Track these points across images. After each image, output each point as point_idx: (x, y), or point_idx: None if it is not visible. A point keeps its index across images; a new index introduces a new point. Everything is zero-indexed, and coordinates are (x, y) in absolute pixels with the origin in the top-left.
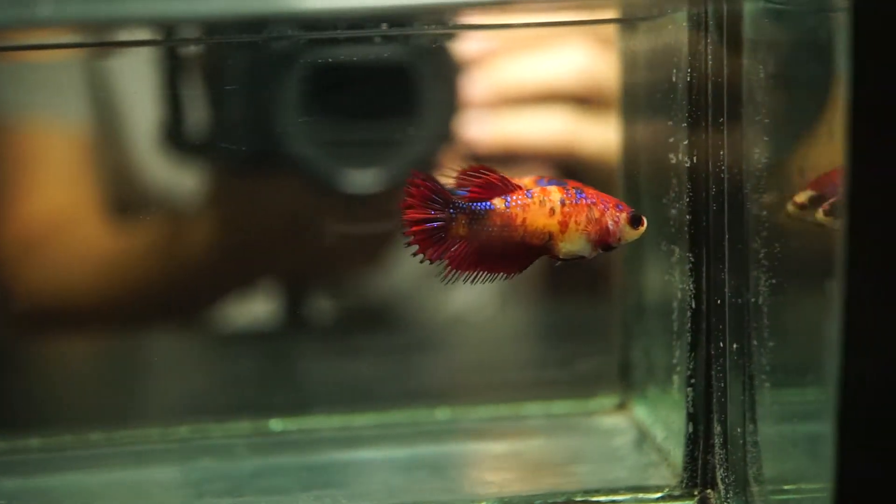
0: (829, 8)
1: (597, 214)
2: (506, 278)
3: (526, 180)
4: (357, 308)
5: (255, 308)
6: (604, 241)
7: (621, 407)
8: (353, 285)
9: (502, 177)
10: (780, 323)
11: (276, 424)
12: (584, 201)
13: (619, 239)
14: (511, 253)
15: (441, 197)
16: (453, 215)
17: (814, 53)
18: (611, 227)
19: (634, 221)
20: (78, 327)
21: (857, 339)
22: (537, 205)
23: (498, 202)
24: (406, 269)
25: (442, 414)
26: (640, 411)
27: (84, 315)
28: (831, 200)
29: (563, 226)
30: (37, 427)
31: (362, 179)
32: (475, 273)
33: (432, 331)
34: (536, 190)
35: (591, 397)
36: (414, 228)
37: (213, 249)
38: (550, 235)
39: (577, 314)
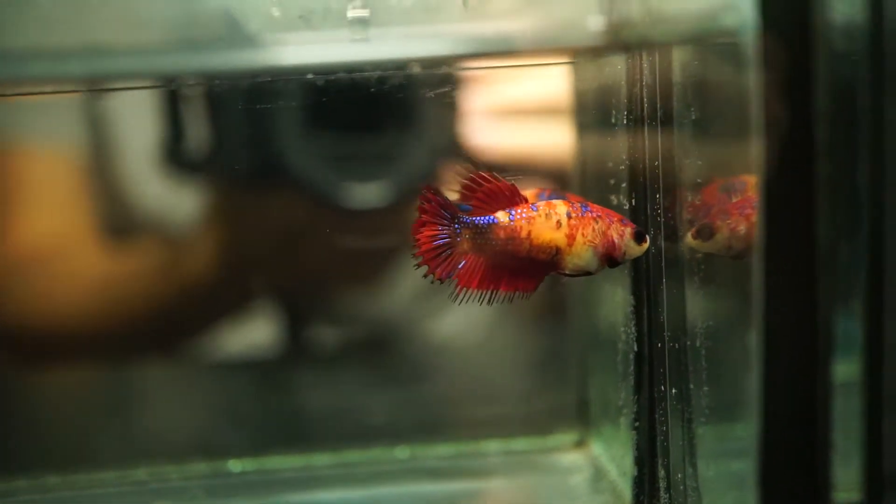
0: (742, 57)
1: (603, 228)
2: (521, 297)
3: (527, 193)
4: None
5: (253, 333)
6: (610, 255)
7: (580, 444)
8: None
9: (511, 185)
10: (715, 366)
11: (234, 465)
12: (589, 214)
13: (624, 254)
14: (519, 268)
15: (449, 212)
16: (458, 230)
17: (731, 99)
18: (616, 241)
19: (638, 237)
20: (64, 356)
21: (774, 380)
22: (543, 217)
23: (502, 215)
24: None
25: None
26: (598, 449)
27: (71, 343)
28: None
29: (571, 239)
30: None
31: (364, 194)
32: (487, 291)
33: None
34: (541, 203)
35: (549, 434)
36: (424, 247)
37: (210, 272)
38: (557, 249)
39: (536, 349)
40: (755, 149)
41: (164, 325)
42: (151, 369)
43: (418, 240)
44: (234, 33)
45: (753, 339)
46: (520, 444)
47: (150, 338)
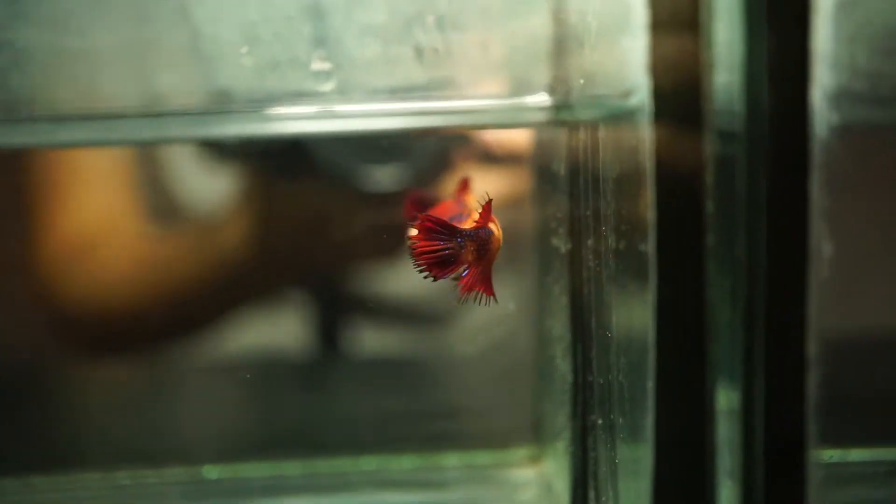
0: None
1: None
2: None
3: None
4: None
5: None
6: None
7: (534, 460)
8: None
9: (489, 200)
10: (632, 399)
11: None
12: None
13: None
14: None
15: (446, 229)
16: (461, 243)
17: (635, 168)
18: None
19: None
20: (113, 343)
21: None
22: (497, 223)
23: (493, 226)
24: None
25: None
26: (549, 465)
27: (120, 330)
28: None
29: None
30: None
31: (384, 176)
32: (485, 294)
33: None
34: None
35: (507, 449)
36: (423, 258)
37: (247, 258)
38: None
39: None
40: (650, 215)
41: (204, 311)
42: (194, 358)
43: (420, 254)
44: None
45: (649, 384)
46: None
47: (193, 325)
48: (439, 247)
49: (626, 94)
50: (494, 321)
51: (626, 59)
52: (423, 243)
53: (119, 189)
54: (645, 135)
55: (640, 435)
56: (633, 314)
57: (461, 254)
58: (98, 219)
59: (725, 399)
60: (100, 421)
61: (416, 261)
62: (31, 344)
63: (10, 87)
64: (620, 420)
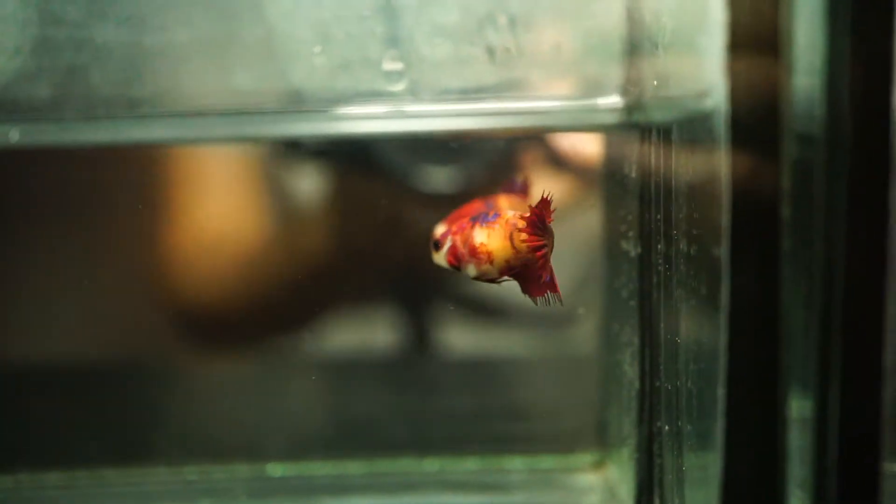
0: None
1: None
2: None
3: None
4: None
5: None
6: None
7: (598, 465)
8: None
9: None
10: (701, 405)
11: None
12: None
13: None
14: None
15: (542, 221)
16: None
17: (710, 172)
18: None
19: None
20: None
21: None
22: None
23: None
24: None
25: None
26: (613, 471)
27: (221, 330)
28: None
29: None
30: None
31: (452, 177)
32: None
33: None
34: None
35: (572, 454)
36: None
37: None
38: None
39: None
40: (724, 219)
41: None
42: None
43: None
44: None
45: (719, 390)
46: (544, 462)
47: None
48: (542, 242)
49: (702, 95)
50: (562, 324)
51: (702, 61)
52: (533, 238)
53: (241, 190)
54: (721, 137)
55: (709, 442)
56: (704, 320)
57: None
58: (221, 218)
59: (798, 407)
60: (188, 415)
61: (530, 258)
62: (119, 342)
63: (90, 85)
64: (688, 427)
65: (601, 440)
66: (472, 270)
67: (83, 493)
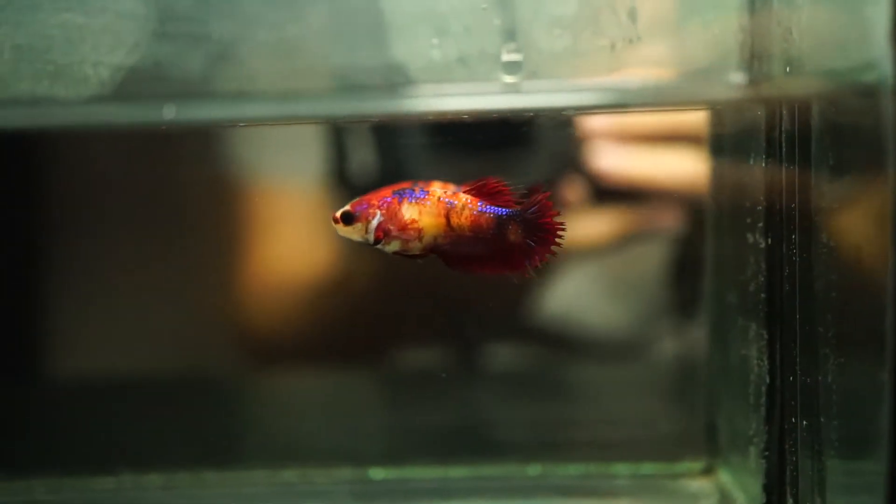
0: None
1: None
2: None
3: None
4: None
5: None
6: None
7: (707, 472)
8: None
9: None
10: (847, 401)
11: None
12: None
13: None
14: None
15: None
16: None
17: (869, 149)
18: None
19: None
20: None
21: None
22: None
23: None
24: None
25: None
26: (725, 476)
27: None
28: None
29: None
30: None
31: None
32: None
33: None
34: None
35: (678, 461)
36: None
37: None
38: None
39: (664, 373)
40: (891, 205)
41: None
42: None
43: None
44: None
45: (885, 377)
46: (648, 468)
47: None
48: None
49: (864, 68)
50: (663, 330)
51: (866, 30)
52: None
53: (314, 227)
54: (888, 114)
55: (865, 443)
56: (855, 311)
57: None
58: (294, 252)
59: None
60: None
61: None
62: (218, 354)
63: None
64: (833, 425)
65: (710, 444)
66: (394, 246)
67: (184, 494)
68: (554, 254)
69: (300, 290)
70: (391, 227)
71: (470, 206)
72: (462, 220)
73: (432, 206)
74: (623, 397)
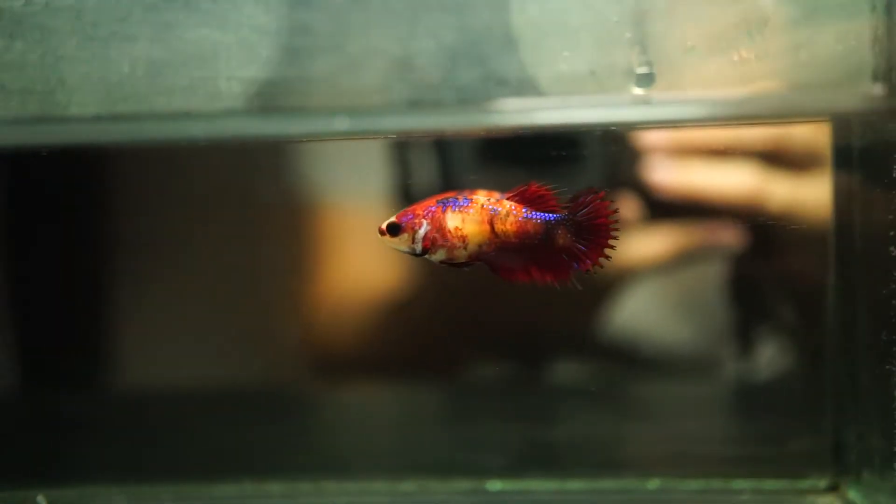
0: None
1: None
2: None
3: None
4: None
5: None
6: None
7: (833, 489)
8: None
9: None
10: None
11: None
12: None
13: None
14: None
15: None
16: None
17: None
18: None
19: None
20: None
21: None
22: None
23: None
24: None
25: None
26: (853, 494)
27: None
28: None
29: None
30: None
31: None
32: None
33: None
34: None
35: (802, 477)
36: None
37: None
38: None
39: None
40: None
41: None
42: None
43: None
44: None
45: None
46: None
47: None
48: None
49: None
50: (782, 346)
51: None
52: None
53: (367, 242)
54: None
55: None
56: None
57: None
58: (363, 271)
59: None
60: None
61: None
62: (322, 366)
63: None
64: None
65: (836, 461)
66: (440, 255)
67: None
68: (608, 257)
69: (382, 303)
70: (436, 236)
71: (514, 212)
72: (507, 226)
73: (475, 213)
74: (743, 413)
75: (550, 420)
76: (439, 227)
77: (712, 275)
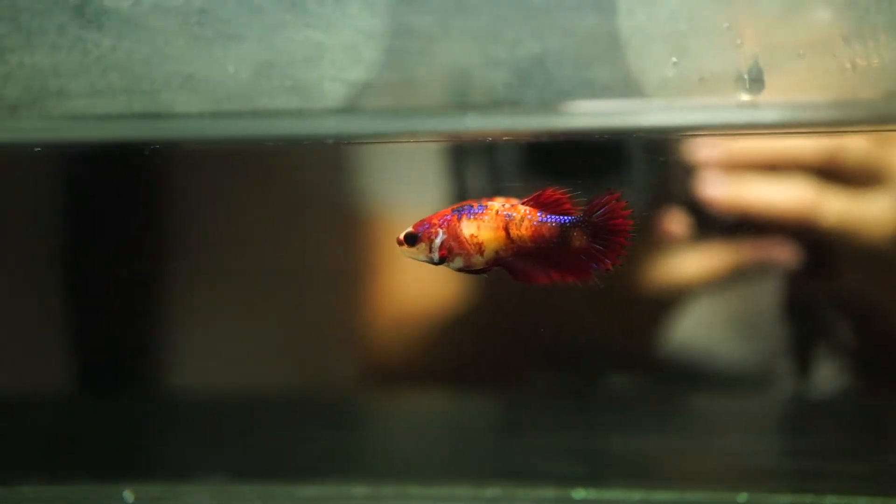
0: None
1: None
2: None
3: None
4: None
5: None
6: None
7: None
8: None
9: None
10: None
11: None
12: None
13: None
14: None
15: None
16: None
17: None
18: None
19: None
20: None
21: None
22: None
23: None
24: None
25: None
26: None
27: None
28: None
29: None
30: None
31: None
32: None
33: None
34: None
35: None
36: None
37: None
38: None
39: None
40: None
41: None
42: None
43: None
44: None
45: None
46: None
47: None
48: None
49: None
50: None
51: None
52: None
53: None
54: None
55: None
56: None
57: None
58: (418, 286)
59: None
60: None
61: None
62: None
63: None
64: None
65: None
66: (458, 262)
67: None
68: (626, 255)
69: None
70: (453, 245)
71: (529, 216)
72: (522, 231)
73: (490, 219)
74: (833, 429)
75: (622, 432)
76: (455, 236)
77: (769, 291)
